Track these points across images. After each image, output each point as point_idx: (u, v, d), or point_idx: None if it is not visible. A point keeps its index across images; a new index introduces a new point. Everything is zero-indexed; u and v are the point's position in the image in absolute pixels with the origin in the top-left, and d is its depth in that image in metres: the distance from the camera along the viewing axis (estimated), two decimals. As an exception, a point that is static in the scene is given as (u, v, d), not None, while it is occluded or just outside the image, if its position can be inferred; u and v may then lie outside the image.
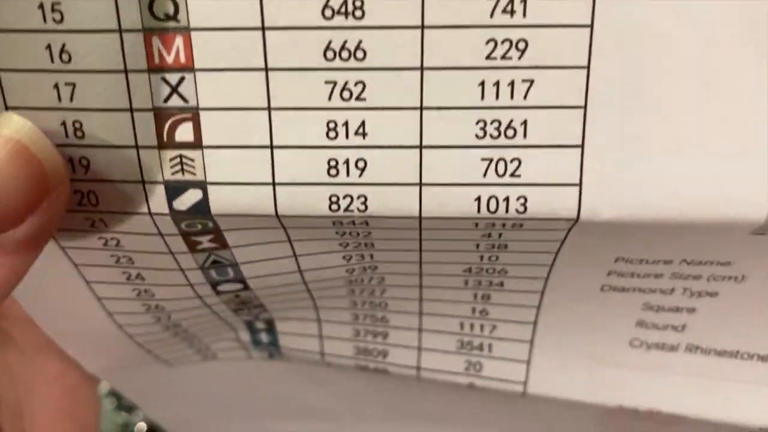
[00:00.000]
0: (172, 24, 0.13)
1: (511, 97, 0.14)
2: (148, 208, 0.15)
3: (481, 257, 0.17)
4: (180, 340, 0.21)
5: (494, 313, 0.19)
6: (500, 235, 0.16)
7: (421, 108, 0.14)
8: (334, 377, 0.24)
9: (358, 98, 0.14)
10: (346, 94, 0.14)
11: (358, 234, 0.16)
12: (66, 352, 0.21)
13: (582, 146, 0.14)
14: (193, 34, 0.13)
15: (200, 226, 0.15)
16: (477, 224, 0.15)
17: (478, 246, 0.16)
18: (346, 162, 0.14)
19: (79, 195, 0.15)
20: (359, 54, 0.13)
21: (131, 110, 0.14)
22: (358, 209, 0.15)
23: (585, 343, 0.19)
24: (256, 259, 0.17)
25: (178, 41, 0.13)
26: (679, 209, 0.14)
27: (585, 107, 0.14)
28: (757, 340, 0.18)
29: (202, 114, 0.14)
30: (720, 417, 0.19)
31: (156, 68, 0.14)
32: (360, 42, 0.13)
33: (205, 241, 0.16)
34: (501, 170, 0.14)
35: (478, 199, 0.14)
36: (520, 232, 0.15)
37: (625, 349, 0.19)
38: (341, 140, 0.14)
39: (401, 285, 0.19)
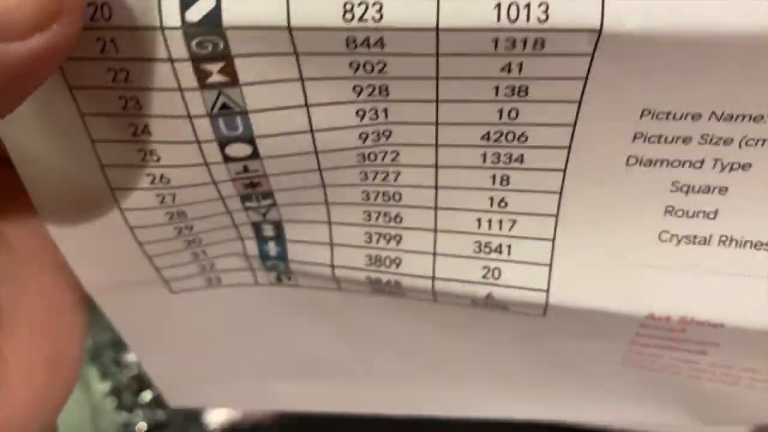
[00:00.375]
0: None
1: None
2: (161, 20, 0.14)
3: (500, 113, 0.16)
4: (184, 245, 0.20)
5: (514, 204, 0.18)
6: (520, 69, 0.15)
7: None
8: (344, 312, 0.22)
9: None
10: None
11: (372, 69, 0.15)
12: (62, 269, 0.20)
13: None
14: None
15: (211, 48, 0.15)
16: (496, 44, 0.14)
17: (497, 91, 0.16)
18: None
19: (93, 7, 0.15)
20: None
21: None
22: (372, 18, 0.14)
23: (611, 239, 0.18)
24: (266, 107, 0.16)
25: None
26: (712, 17, 0.14)
27: None
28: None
29: None
30: (762, 324, 0.18)
31: None
32: None
33: (215, 72, 0.15)
34: None
35: (498, 5, 0.14)
36: (541, 61, 0.15)
37: (654, 244, 0.18)
38: None
39: (416, 164, 0.18)
